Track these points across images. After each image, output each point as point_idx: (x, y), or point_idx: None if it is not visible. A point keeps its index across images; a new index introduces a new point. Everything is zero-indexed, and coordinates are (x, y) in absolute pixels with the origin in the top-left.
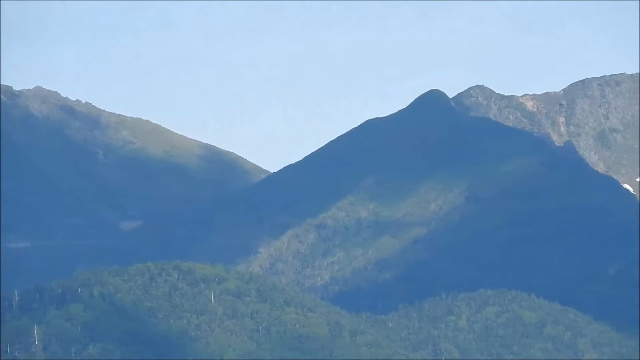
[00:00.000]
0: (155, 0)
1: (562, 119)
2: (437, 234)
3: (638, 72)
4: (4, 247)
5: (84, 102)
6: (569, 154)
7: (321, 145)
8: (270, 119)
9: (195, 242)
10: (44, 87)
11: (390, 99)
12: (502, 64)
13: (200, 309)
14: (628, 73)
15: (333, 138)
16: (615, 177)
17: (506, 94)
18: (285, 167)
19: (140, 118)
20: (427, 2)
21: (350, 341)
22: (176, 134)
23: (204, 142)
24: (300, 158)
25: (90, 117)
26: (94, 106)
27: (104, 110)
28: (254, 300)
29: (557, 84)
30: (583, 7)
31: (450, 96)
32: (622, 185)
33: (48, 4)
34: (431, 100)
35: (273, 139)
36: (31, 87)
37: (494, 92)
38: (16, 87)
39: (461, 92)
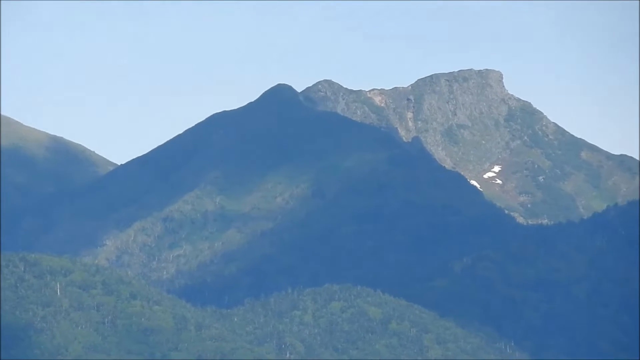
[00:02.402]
0: None
1: (409, 115)
2: (283, 228)
3: (485, 68)
4: None
5: None
6: (416, 150)
7: (168, 139)
8: (118, 111)
9: (41, 233)
10: None
11: (238, 93)
12: (350, 58)
13: (46, 301)
14: (476, 69)
15: (180, 131)
16: (462, 174)
17: (354, 89)
18: (132, 160)
19: None
20: None
21: (196, 335)
22: (24, 125)
23: (52, 133)
24: (147, 151)
25: None
26: None
27: None
28: (99, 292)
29: (405, 79)
30: (430, 4)
31: (299, 90)
32: (469, 182)
33: None
34: (279, 94)
35: (120, 131)
36: None
37: (341, 86)
38: None
39: (309, 87)
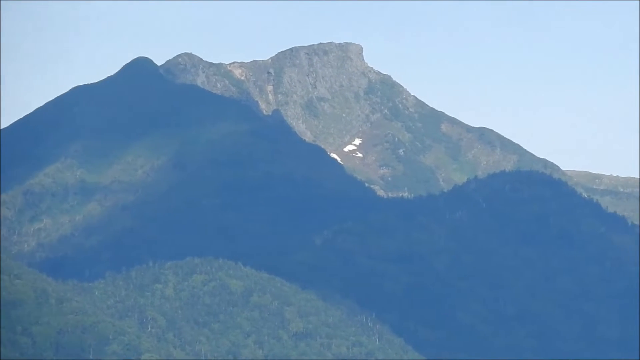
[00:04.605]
0: None
1: (270, 88)
2: (144, 201)
3: (345, 42)
4: None
5: None
6: (276, 123)
7: (29, 112)
8: None
9: None
10: None
11: (99, 66)
12: (210, 31)
13: None
14: (336, 42)
15: (41, 104)
16: (322, 147)
17: (214, 62)
18: None
19: None
20: None
21: (57, 308)
22: None
23: None
24: (8, 124)
25: None
26: None
27: None
28: None
29: (265, 53)
30: None
31: (159, 63)
32: (329, 155)
33: None
34: (139, 67)
35: None
36: None
37: (202, 59)
38: None
39: (169, 60)
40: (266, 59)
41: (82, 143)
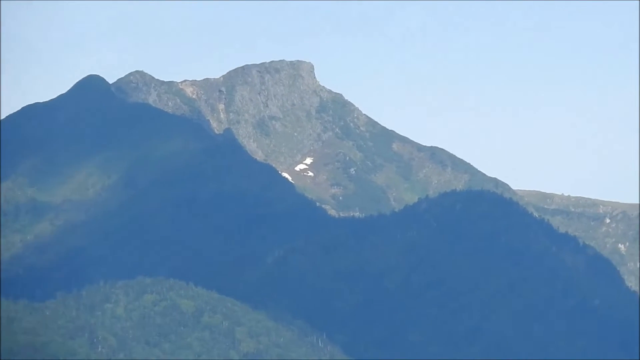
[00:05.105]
0: None
1: (221, 106)
2: (96, 220)
3: (297, 59)
4: None
5: None
6: (228, 141)
7: None
8: None
9: None
10: None
11: (50, 84)
12: (161, 49)
13: None
14: (288, 60)
15: None
16: (273, 165)
17: (166, 80)
18: None
19: None
20: None
21: (7, 329)
22: None
23: None
24: None
25: None
26: None
27: None
28: None
29: (216, 71)
30: None
31: (110, 82)
32: (280, 174)
33: None
34: (90, 86)
35: None
36: None
37: (153, 77)
38: None
39: (121, 78)
40: (218, 77)
41: (33, 161)
